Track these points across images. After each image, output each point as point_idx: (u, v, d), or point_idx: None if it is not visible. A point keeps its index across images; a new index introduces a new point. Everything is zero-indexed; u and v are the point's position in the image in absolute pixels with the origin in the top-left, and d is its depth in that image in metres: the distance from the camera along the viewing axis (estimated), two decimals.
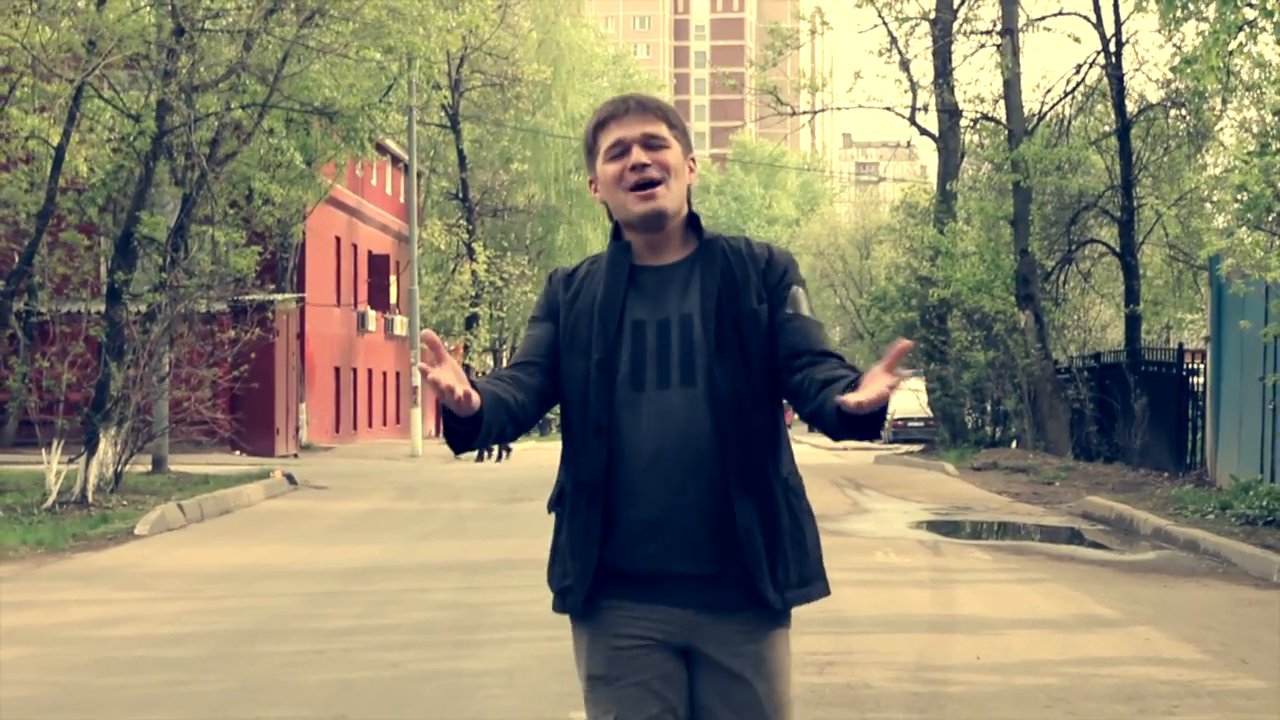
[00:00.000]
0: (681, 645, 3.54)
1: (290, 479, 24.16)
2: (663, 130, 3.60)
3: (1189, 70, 14.96)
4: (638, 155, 3.56)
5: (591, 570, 3.52)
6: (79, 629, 10.62)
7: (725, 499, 3.48)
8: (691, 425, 3.49)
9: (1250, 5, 14.32)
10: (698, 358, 3.52)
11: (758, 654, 3.56)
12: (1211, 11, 15.18)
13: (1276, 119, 17.06)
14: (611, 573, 3.52)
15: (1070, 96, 33.70)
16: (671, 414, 3.50)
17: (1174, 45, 29.95)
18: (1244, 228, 17.27)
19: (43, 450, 19.39)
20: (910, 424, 49.45)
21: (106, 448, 20.04)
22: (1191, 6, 15.27)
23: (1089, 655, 9.42)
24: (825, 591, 3.65)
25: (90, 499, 19.10)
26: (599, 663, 3.54)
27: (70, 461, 19.59)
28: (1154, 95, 32.94)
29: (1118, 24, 31.78)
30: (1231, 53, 14.95)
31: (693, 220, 3.66)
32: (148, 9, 21.91)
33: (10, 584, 12.99)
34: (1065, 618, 10.98)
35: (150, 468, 24.05)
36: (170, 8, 20.98)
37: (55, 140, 19.55)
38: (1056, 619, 10.93)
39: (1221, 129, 32.64)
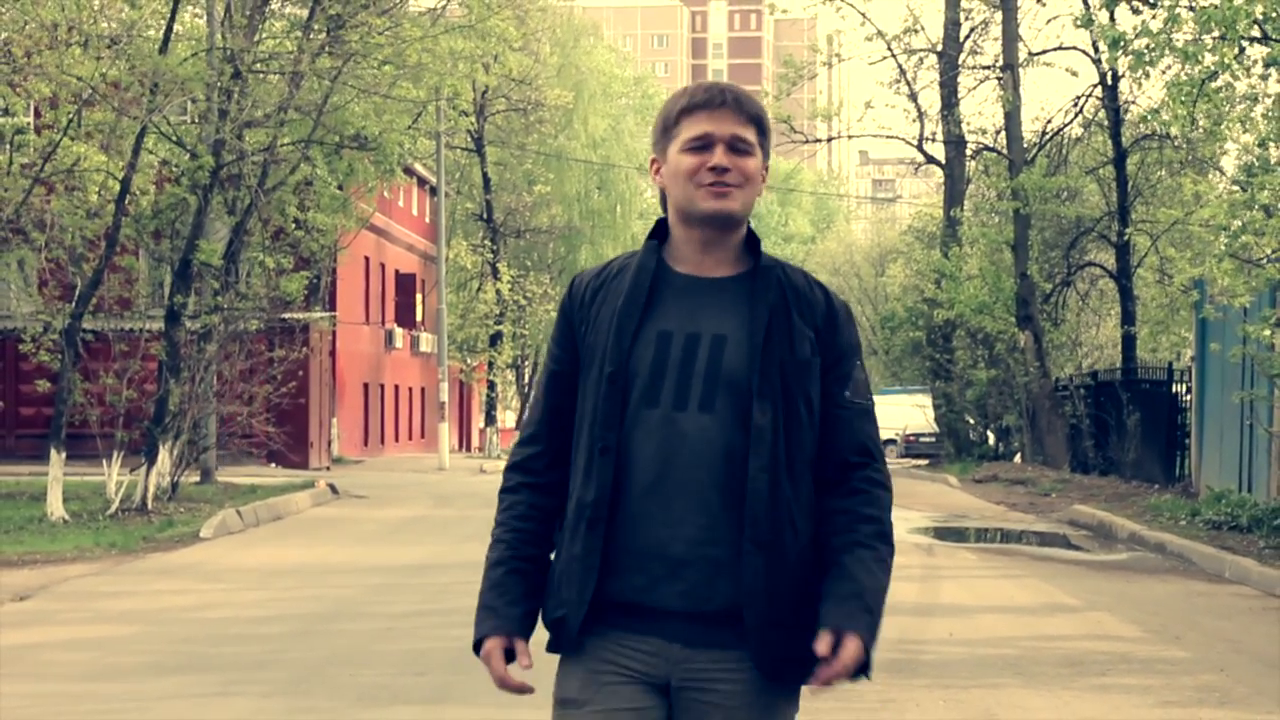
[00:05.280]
0: (663, 681, 3.30)
1: (333, 488, 25.76)
2: (752, 136, 3.34)
3: (1159, 119, 16.58)
4: (720, 157, 3.30)
5: (587, 601, 3.29)
6: (177, 612, 12.28)
7: (732, 546, 3.22)
8: (701, 455, 3.23)
9: (1211, 59, 15.84)
10: (721, 383, 3.25)
11: (744, 698, 3.29)
12: (1176, 63, 16.75)
13: (1244, 160, 18.57)
14: (602, 601, 3.29)
15: (1069, 126, 35.16)
16: (682, 439, 3.24)
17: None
18: (1215, 259, 18.75)
19: (103, 461, 21.02)
20: (922, 439, 51.21)
21: (165, 458, 21.62)
22: (1159, 60, 16.74)
23: (1046, 633, 11.07)
24: None
25: (150, 506, 20.69)
26: (572, 687, 3.35)
27: (132, 472, 21.19)
28: (1150, 121, 34.17)
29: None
30: (1197, 100, 16.47)
31: (751, 239, 3.41)
32: (203, 53, 23.55)
33: (101, 578, 14.63)
34: (1033, 605, 12.62)
35: (199, 478, 25.54)
36: (227, 52, 22.68)
37: (116, 170, 21.08)
38: (1025, 606, 12.57)
39: (1225, 153, 33.99)
